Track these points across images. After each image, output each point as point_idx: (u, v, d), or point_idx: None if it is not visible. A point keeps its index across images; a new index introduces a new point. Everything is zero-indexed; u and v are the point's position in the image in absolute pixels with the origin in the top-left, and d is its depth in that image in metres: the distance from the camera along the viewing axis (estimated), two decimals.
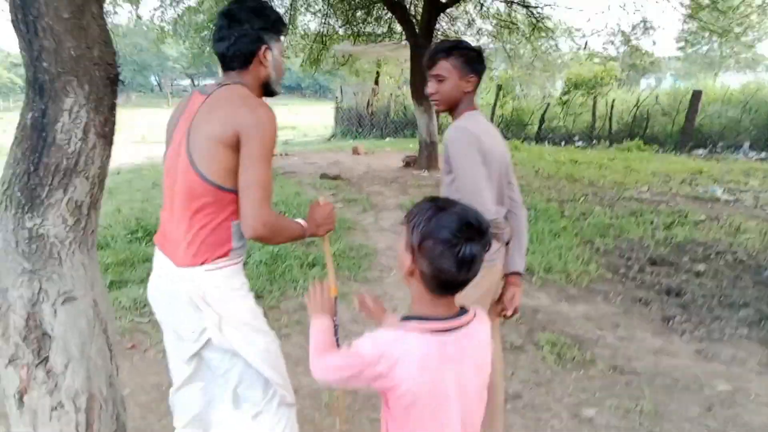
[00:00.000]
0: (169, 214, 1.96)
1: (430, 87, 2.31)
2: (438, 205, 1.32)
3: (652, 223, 7.15)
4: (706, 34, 14.22)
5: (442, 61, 2.27)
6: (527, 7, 12.59)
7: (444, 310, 1.37)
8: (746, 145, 14.59)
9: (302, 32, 15.08)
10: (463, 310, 1.41)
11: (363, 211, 7.85)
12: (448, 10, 12.54)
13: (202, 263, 1.87)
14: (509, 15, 13.39)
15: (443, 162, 2.29)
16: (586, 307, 4.59)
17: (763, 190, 9.51)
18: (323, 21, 14.37)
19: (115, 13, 12.45)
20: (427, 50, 2.38)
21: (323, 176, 10.32)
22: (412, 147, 15.74)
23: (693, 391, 3.36)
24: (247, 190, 1.76)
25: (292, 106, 41.06)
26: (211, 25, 13.03)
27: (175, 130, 1.97)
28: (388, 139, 18.69)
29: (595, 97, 17.20)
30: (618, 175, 11.11)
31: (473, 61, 2.30)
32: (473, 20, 13.78)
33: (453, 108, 2.35)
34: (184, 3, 12.93)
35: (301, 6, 14.00)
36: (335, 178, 10.27)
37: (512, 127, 17.88)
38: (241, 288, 1.98)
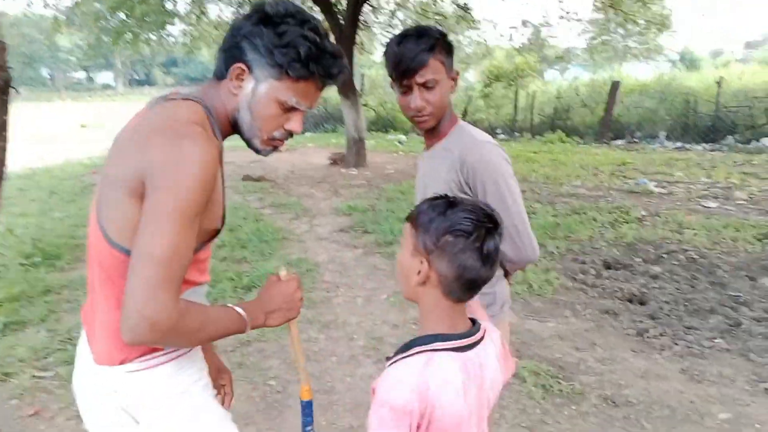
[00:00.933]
0: (91, 283, 1.35)
1: (417, 100, 1.72)
2: (448, 200, 1.20)
3: (596, 220, 6.99)
4: (612, 25, 14.56)
5: (431, 60, 1.69)
6: None
7: (462, 323, 1.25)
8: (662, 135, 15.03)
9: (216, 20, 14.14)
10: (475, 322, 1.28)
11: (295, 218, 7.25)
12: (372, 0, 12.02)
13: (122, 362, 1.27)
14: (435, 4, 13.06)
15: (452, 180, 1.75)
16: (556, 324, 4.24)
17: (691, 181, 9.65)
18: (236, 10, 13.52)
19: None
20: (394, 52, 1.73)
21: (246, 178, 9.58)
22: (335, 142, 15.22)
23: (694, 422, 3.05)
24: (135, 265, 1.11)
25: None
26: (109, 16, 11.95)
27: (109, 161, 1.34)
28: (308, 133, 17.97)
29: (516, 90, 17.22)
30: (547, 168, 11.05)
31: (452, 52, 1.78)
32: (397, 10, 13.35)
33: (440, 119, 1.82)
34: None
35: None
36: (259, 179, 9.56)
37: None
38: (186, 392, 1.34)
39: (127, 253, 1.18)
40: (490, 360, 1.26)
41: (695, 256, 5.72)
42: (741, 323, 4.24)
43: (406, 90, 1.72)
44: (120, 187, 1.18)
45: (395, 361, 1.19)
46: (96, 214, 1.25)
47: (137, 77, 71.05)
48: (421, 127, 1.81)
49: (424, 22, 13.69)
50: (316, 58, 1.28)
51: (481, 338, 1.25)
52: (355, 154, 11.10)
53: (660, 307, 4.57)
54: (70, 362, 3.43)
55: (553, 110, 16.78)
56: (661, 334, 4.10)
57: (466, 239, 1.15)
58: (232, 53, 1.30)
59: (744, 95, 14.71)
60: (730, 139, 14.20)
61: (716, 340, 3.99)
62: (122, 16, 12.26)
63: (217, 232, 1.34)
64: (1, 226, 5.89)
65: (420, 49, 1.67)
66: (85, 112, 28.44)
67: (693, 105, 15.15)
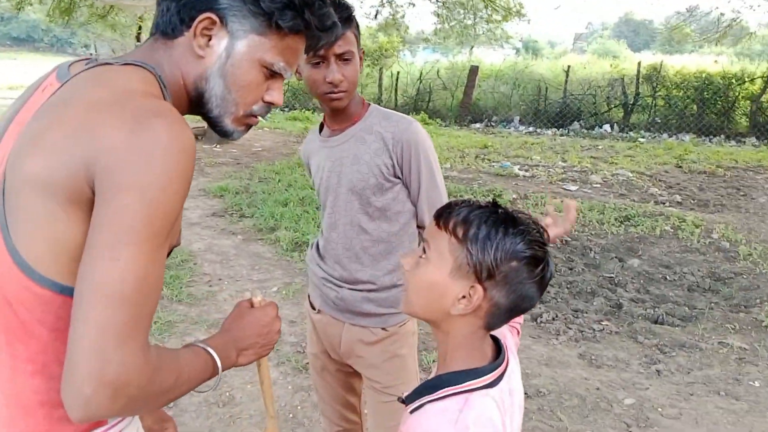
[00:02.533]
0: None
1: (334, 73, 1.58)
2: (502, 213, 1.00)
3: None
4: (463, 9, 15.06)
5: (348, 32, 1.58)
6: None
7: (490, 348, 1.08)
8: (516, 119, 15.84)
9: None
10: (497, 341, 1.10)
11: None
12: None
13: None
14: None
15: (383, 164, 1.67)
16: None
17: (549, 165, 10.19)
18: None
19: None
20: None
21: None
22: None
23: (604, 409, 3.12)
24: (86, 307, 0.75)
25: (22, 61, 35.10)
26: None
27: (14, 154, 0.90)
28: None
29: (380, 69, 17.22)
30: None
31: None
32: None
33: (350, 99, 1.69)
34: None
35: None
36: None
37: (299, 97, 17.16)
38: None
39: (60, 290, 0.80)
40: (516, 382, 1.12)
41: (568, 239, 5.96)
42: (622, 305, 4.46)
43: (319, 62, 1.58)
44: (47, 193, 0.79)
45: (421, 405, 0.99)
46: None
47: None
48: (334, 105, 1.66)
49: None
50: (311, 5, 0.97)
51: (507, 361, 1.09)
52: None
53: (546, 291, 4.67)
54: None
55: (416, 92, 17.01)
56: (553, 319, 4.19)
57: (533, 268, 0.98)
58: (192, 2, 0.93)
59: (588, 84, 15.89)
60: (576, 124, 15.30)
61: (604, 323, 4.15)
62: None
63: (171, 249, 0.98)
64: None
65: (337, 18, 1.48)
66: None
67: (543, 92, 16.09)
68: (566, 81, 15.77)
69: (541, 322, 4.13)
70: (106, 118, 0.80)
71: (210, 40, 0.95)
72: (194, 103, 1.00)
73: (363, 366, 1.82)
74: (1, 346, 0.87)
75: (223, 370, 0.97)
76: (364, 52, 1.73)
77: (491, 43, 38.09)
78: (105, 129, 0.79)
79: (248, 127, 1.06)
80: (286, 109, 16.89)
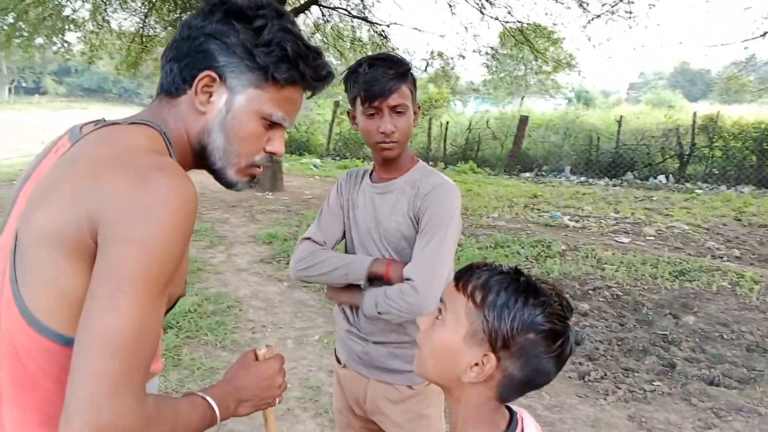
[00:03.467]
0: None
1: (387, 124, 1.66)
2: (524, 281, 0.97)
3: (519, 254, 6.99)
4: (513, 61, 15.19)
5: (403, 86, 1.67)
6: (372, 23, 12.24)
7: (502, 420, 1.03)
8: (567, 169, 15.68)
9: (117, 30, 13.30)
10: (511, 411, 1.06)
11: (210, 246, 6.75)
12: None
13: None
14: (352, 30, 12.97)
15: (414, 216, 1.71)
16: None
17: (600, 215, 9.99)
18: (143, 21, 12.77)
19: None
20: (366, 74, 1.65)
21: None
22: None
23: None
24: (84, 356, 0.77)
25: (92, 110, 37.05)
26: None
27: (12, 212, 0.96)
28: None
29: (430, 119, 17.43)
30: (464, 199, 11.10)
31: (416, 84, 1.79)
32: (314, 33, 13.13)
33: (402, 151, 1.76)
34: None
35: (115, 0, 12.31)
36: None
37: (350, 146, 17.50)
38: None
39: (65, 342, 0.83)
40: None
41: (619, 293, 5.79)
42: (675, 364, 4.26)
43: (374, 113, 1.66)
44: (53, 246, 0.83)
45: None
46: (9, 286, 0.86)
47: (24, 85, 66.32)
48: (385, 154, 1.72)
49: (340, 47, 13.58)
50: (305, 57, 1.01)
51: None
52: (270, 177, 10.66)
53: (596, 348, 4.52)
54: None
55: (465, 141, 17.10)
56: (602, 377, 4.04)
57: (551, 342, 0.95)
58: (193, 59, 0.99)
59: (641, 134, 15.65)
60: (629, 175, 15.02)
61: (656, 383, 3.96)
62: (12, 19, 11.22)
63: (177, 299, 1.01)
64: None
65: (394, 72, 1.64)
66: None
67: (595, 141, 15.92)
68: (618, 131, 15.58)
69: (589, 380, 3.97)
70: (110, 173, 0.84)
71: (211, 96, 1.00)
72: (198, 156, 1.04)
73: (388, 424, 1.80)
74: (10, 397, 0.89)
75: (221, 420, 0.98)
76: (420, 107, 1.80)
77: (542, 93, 38.22)
78: (108, 183, 0.83)
79: (252, 177, 1.10)
80: (337, 158, 17.22)
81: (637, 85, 64.86)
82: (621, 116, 15.96)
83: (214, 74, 0.99)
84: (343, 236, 1.89)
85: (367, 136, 1.71)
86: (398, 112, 1.66)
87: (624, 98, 49.60)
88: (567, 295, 4.07)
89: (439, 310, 1.03)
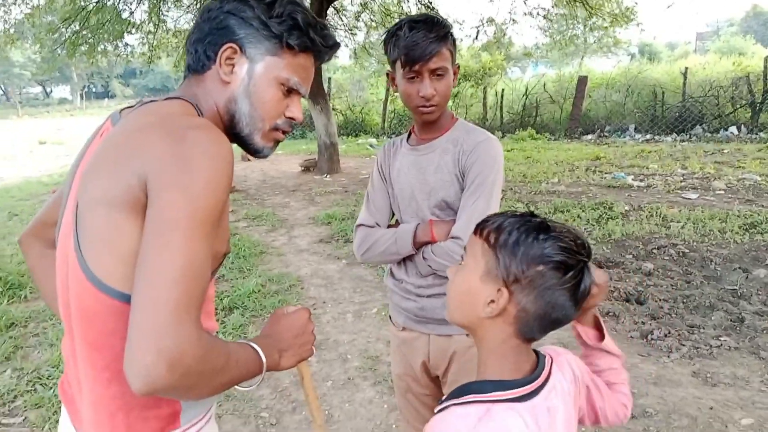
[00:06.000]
0: (70, 349, 1.06)
1: (427, 88, 1.67)
2: (538, 221, 1.01)
3: (580, 218, 6.86)
4: (568, 20, 14.60)
5: (444, 49, 1.66)
6: None
7: (527, 363, 1.05)
8: (632, 127, 15.12)
9: (173, 29, 13.72)
10: (539, 356, 1.08)
11: (272, 229, 6.96)
12: (337, 1, 11.79)
13: None
14: (399, 5, 12.88)
15: (460, 171, 1.74)
16: (556, 330, 4.04)
17: (666, 173, 9.64)
18: (195, 17, 13.11)
19: None
20: (406, 38, 1.66)
21: None
22: (305, 149, 14.93)
23: (717, 430, 2.89)
24: (143, 289, 0.85)
25: None
26: (63, 27, 11.50)
27: (71, 190, 1.07)
28: None
29: (485, 88, 17.15)
30: (522, 166, 10.94)
31: (456, 44, 1.78)
32: (362, 11, 13.13)
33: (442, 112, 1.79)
34: (30, 2, 11.23)
35: (169, 0, 12.69)
36: (231, 190, 9.22)
37: (405, 123, 17.46)
38: None
39: (128, 300, 0.90)
40: (562, 401, 1.07)
41: (686, 250, 5.61)
42: (744, 319, 4.12)
43: (414, 77, 1.68)
44: (110, 207, 0.91)
45: (447, 407, 1.01)
46: (74, 254, 0.96)
47: (95, 90, 69.44)
48: (425, 118, 1.75)
49: (389, 24, 13.53)
50: (314, 26, 1.12)
51: (548, 376, 1.06)
52: (327, 160, 10.83)
53: (660, 306, 4.43)
54: (40, 405, 3.12)
55: (522, 107, 16.75)
56: (666, 335, 3.96)
57: (561, 274, 0.97)
58: (215, 36, 1.10)
59: (709, 85, 14.87)
60: (698, 129, 14.34)
61: (723, 338, 3.86)
62: (76, 26, 11.78)
63: (223, 257, 1.09)
64: None
65: (434, 36, 1.64)
66: (43, 128, 27.57)
67: (660, 97, 15.25)
68: (684, 84, 14.86)
69: (652, 339, 3.90)
70: (153, 135, 0.93)
71: (233, 67, 1.10)
72: (228, 126, 1.13)
73: (451, 377, 1.83)
74: (83, 356, 1.00)
75: (267, 369, 1.05)
76: (459, 67, 1.81)
77: (603, 51, 36.69)
78: (152, 143, 0.92)
79: (276, 143, 1.20)
80: (393, 136, 17.23)
81: (705, 35, 61.26)
82: (686, 68, 15.19)
83: (235, 46, 1.09)
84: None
85: (407, 100, 1.74)
86: (438, 75, 1.67)
87: (692, 49, 47.04)
88: (629, 256, 4.04)
89: (462, 257, 1.09)
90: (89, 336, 0.98)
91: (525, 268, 0.97)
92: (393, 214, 1.93)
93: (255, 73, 1.11)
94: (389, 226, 1.89)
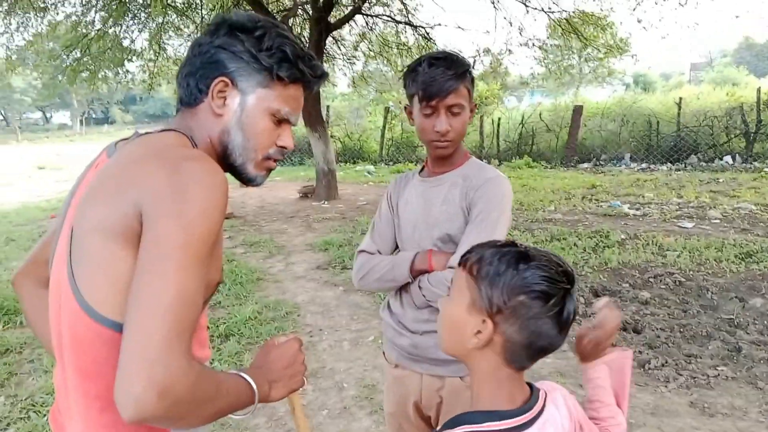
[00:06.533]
0: (62, 379, 1.07)
1: (443, 124, 1.70)
2: (518, 250, 1.02)
3: (576, 246, 6.87)
4: (563, 51, 14.84)
5: (461, 86, 1.70)
6: (416, 27, 12.31)
7: (520, 393, 1.06)
8: (627, 156, 15.25)
9: (174, 57, 13.88)
10: (533, 388, 1.10)
11: (270, 256, 6.96)
12: (336, 31, 11.95)
13: None
14: (398, 35, 13.07)
15: (461, 205, 1.76)
16: (553, 359, 4.03)
17: (662, 202, 9.69)
18: None
19: None
20: (425, 73, 1.69)
21: None
22: (303, 175, 14.99)
23: None
24: (136, 317, 0.86)
25: None
26: (64, 54, 11.65)
27: (65, 220, 1.09)
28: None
29: (481, 117, 17.32)
30: (519, 194, 10.98)
31: (474, 83, 1.81)
32: (360, 41, 13.31)
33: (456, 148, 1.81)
34: (32, 29, 11.39)
35: (170, 28, 12.87)
36: (228, 216, 9.24)
37: (403, 150, 17.59)
38: None
39: (120, 329, 0.91)
40: (556, 429, 1.08)
41: (682, 279, 5.62)
42: (741, 348, 4.12)
43: (430, 112, 1.71)
44: (105, 235, 0.93)
45: None
46: (67, 282, 0.97)
47: (95, 116, 69.84)
48: (439, 153, 1.78)
49: (386, 54, 13.71)
50: (303, 58, 1.15)
51: (542, 409, 1.07)
52: (325, 187, 10.88)
53: (656, 335, 4.42)
54: None
55: (519, 136, 16.89)
56: (663, 365, 3.95)
57: (543, 303, 0.98)
58: (207, 69, 1.13)
59: (703, 115, 15.04)
60: (693, 158, 14.46)
61: (720, 368, 3.85)
62: (77, 54, 11.93)
63: (216, 286, 1.11)
64: None
65: (452, 73, 1.67)
66: (43, 153, 27.63)
67: (655, 126, 15.41)
68: (679, 113, 15.02)
69: (649, 368, 3.89)
70: (148, 166, 0.96)
71: (225, 100, 1.13)
72: (221, 156, 1.16)
73: (440, 421, 1.79)
74: (74, 385, 1.01)
75: (259, 401, 1.05)
76: (476, 106, 1.85)
77: (597, 81, 37.17)
78: (148, 174, 0.94)
79: (268, 171, 1.22)
80: (390, 163, 17.34)
81: (699, 65, 62.12)
82: (680, 98, 15.39)
83: (226, 79, 1.12)
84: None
85: (422, 134, 1.77)
86: (454, 113, 1.70)
87: (686, 80, 47.66)
88: (626, 284, 4.04)
89: (448, 289, 1.11)
90: (81, 365, 0.99)
91: (507, 299, 0.99)
92: (397, 246, 1.93)
93: (247, 105, 1.14)
94: None
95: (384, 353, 1.97)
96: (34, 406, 3.37)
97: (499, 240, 1.10)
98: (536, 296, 0.98)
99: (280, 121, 1.18)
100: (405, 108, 1.86)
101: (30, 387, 3.63)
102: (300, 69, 1.15)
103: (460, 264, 1.08)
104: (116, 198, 0.94)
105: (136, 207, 0.91)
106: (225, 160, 1.16)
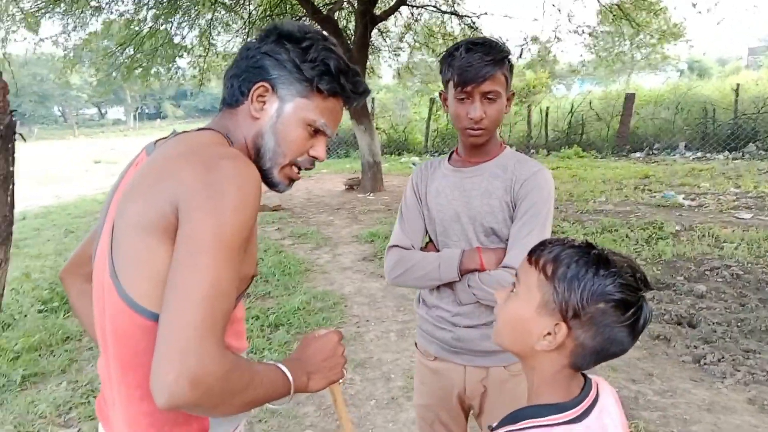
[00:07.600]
0: (105, 369, 1.11)
1: (477, 110, 1.64)
2: (595, 253, 0.98)
3: (629, 238, 6.71)
4: (614, 37, 14.42)
5: (498, 73, 1.63)
6: (461, 16, 12.18)
7: (576, 385, 1.05)
8: (682, 145, 14.76)
9: (222, 52, 14.14)
10: (585, 377, 1.08)
11: (317, 247, 7.04)
12: (381, 23, 11.94)
13: None
14: (443, 25, 12.97)
15: (511, 200, 1.71)
16: None
17: (719, 192, 9.36)
18: (244, 41, 13.50)
19: (13, 41, 11.19)
20: (461, 58, 1.63)
21: (262, 208, 9.39)
22: (349, 167, 15.07)
23: None
24: (171, 308, 0.89)
25: None
26: (118, 52, 12.01)
27: (107, 216, 1.13)
28: None
29: (529, 106, 17.04)
30: (569, 185, 10.79)
31: (512, 71, 1.74)
32: (406, 32, 13.26)
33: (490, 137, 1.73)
34: (88, 28, 11.78)
35: (218, 24, 13.10)
36: (276, 209, 9.39)
37: (448, 141, 17.46)
38: None
39: (156, 319, 0.95)
40: (611, 419, 1.06)
41: (740, 272, 5.43)
42: None
43: (465, 98, 1.65)
44: (145, 231, 0.96)
45: None
46: (109, 276, 1.01)
47: (147, 111, 71.81)
48: (472, 141, 1.72)
49: (432, 45, 13.63)
50: (346, 73, 1.15)
51: (596, 396, 1.06)
52: (371, 179, 10.91)
53: (713, 330, 4.28)
54: (93, 417, 3.22)
55: (568, 125, 16.55)
56: (719, 360, 3.82)
57: (622, 312, 0.96)
58: (250, 73, 1.15)
59: (762, 101, 14.42)
60: (751, 146, 13.90)
61: None
62: (131, 51, 12.28)
63: (251, 279, 1.13)
64: (17, 271, 5.72)
65: (490, 59, 1.61)
66: (98, 148, 28.61)
67: (711, 114, 14.87)
68: (736, 100, 14.44)
69: (705, 364, 3.78)
70: (185, 163, 0.98)
71: (264, 104, 1.15)
72: (254, 158, 1.17)
73: (485, 410, 1.79)
74: (117, 376, 1.05)
75: (295, 391, 1.07)
76: (513, 94, 1.78)
77: (651, 68, 36.00)
78: (185, 171, 0.97)
79: (291, 181, 1.23)
80: (435, 154, 17.26)
81: (758, 50, 59.42)
82: (738, 84, 14.78)
83: (267, 85, 1.14)
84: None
85: (456, 120, 1.72)
86: (489, 99, 1.64)
87: (744, 65, 45.71)
88: (680, 277, 3.96)
89: (514, 284, 1.08)
90: (123, 355, 1.03)
91: (585, 304, 0.96)
92: (426, 235, 1.88)
93: (284, 112, 1.15)
94: (422, 249, 1.84)
95: (417, 344, 1.94)
96: (93, 391, 3.51)
97: (573, 239, 1.05)
98: (616, 304, 0.95)
99: (316, 132, 1.19)
100: (440, 94, 1.80)
101: (90, 373, 3.78)
102: (341, 84, 1.16)
103: (530, 260, 1.05)
104: (154, 194, 0.97)
105: (173, 203, 0.95)
106: (256, 163, 1.17)
